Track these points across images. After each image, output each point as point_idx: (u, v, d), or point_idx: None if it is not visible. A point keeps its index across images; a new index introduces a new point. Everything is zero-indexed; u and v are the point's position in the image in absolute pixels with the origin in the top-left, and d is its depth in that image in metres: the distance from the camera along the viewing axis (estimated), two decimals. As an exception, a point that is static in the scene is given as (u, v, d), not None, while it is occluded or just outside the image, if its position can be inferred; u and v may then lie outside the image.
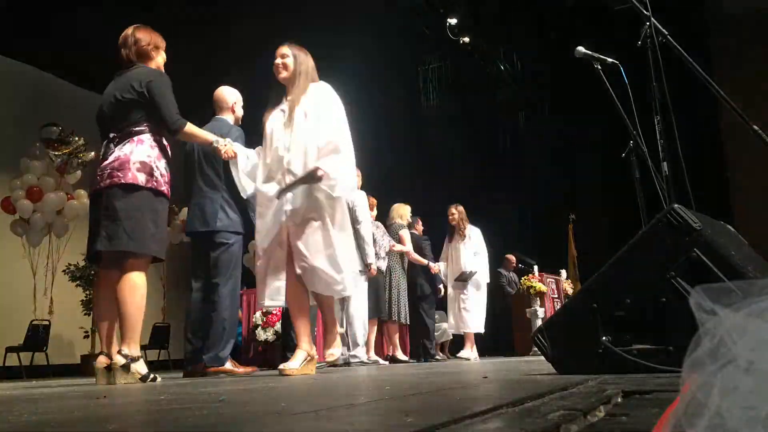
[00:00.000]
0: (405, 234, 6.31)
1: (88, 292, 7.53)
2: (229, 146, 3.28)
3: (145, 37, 3.09)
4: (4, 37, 7.06)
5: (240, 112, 4.16)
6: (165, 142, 3.01)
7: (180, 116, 2.99)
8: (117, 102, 2.91)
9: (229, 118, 4.08)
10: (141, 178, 2.82)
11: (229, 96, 4.14)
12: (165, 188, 2.94)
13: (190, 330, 3.86)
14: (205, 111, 4.27)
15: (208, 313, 3.75)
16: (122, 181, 2.80)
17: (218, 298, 3.72)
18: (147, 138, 2.92)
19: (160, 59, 3.15)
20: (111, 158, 2.85)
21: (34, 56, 7.84)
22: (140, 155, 2.86)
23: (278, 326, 6.06)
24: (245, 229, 3.95)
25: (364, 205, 5.37)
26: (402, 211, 6.48)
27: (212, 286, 3.77)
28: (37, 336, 7.09)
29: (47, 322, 7.30)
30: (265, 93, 3.40)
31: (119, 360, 2.74)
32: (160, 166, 2.93)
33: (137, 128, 2.90)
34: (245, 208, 3.95)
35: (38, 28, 6.94)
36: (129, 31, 3.10)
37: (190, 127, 3.06)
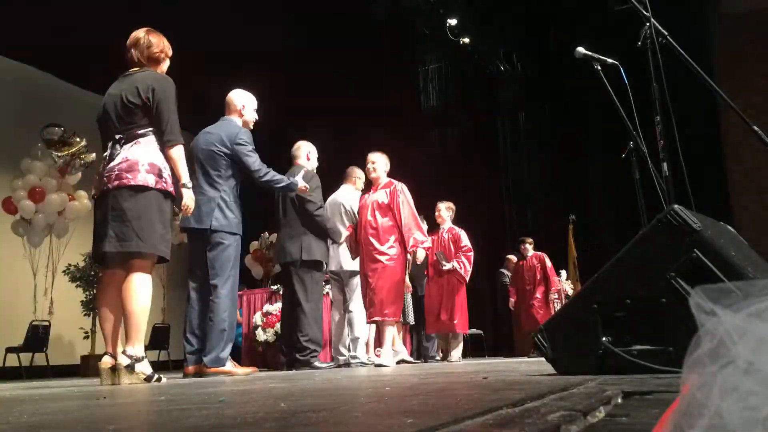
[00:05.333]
0: None
1: (88, 293, 7.53)
2: (189, 206, 3.13)
3: (158, 42, 3.09)
4: (5, 37, 7.06)
5: (250, 115, 4.15)
6: None
7: (179, 134, 2.98)
8: (123, 104, 2.91)
9: (237, 119, 4.09)
10: (150, 180, 2.84)
11: (238, 99, 4.15)
12: (172, 189, 2.96)
13: (189, 331, 3.86)
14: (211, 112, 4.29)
15: (207, 314, 3.75)
16: (132, 183, 2.81)
17: (217, 299, 3.72)
18: (154, 140, 2.92)
19: (165, 66, 3.16)
20: (118, 159, 2.85)
21: (35, 56, 7.84)
22: (149, 157, 2.87)
23: (278, 327, 6.06)
24: (243, 230, 3.95)
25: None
26: None
27: (210, 287, 3.76)
28: (37, 336, 7.09)
29: (47, 323, 7.30)
30: None
31: (123, 360, 2.74)
32: (168, 168, 2.94)
33: (144, 130, 2.91)
34: (241, 208, 3.97)
35: (39, 29, 6.94)
36: (141, 33, 3.09)
37: (179, 151, 2.99)
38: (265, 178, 4.03)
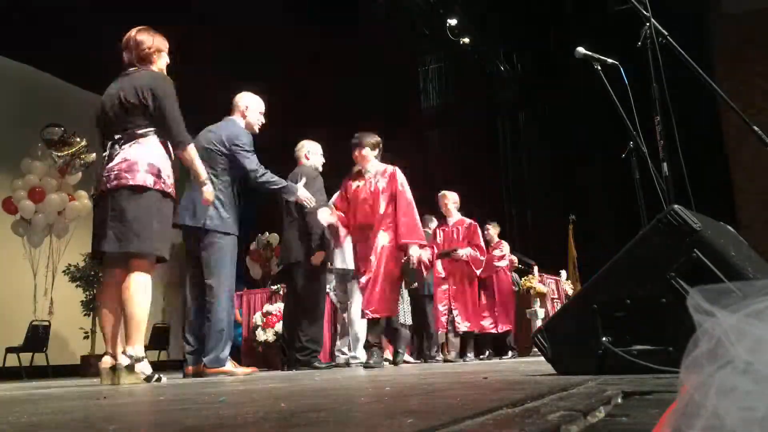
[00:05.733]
0: None
1: (88, 293, 7.53)
2: (209, 199, 3.29)
3: (147, 39, 3.07)
4: (5, 37, 7.07)
5: (253, 118, 4.13)
6: (169, 144, 3.02)
7: (187, 134, 3.01)
8: (120, 104, 2.91)
9: (239, 120, 4.09)
10: (149, 180, 2.84)
11: (242, 100, 4.15)
12: (171, 190, 2.96)
13: (188, 330, 3.86)
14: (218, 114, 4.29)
15: (205, 314, 3.74)
16: (131, 183, 2.81)
17: (213, 300, 3.70)
18: (153, 140, 2.92)
19: (162, 62, 3.13)
20: (118, 159, 2.85)
21: (34, 56, 7.85)
22: (148, 157, 2.87)
23: (278, 327, 6.07)
24: (238, 229, 3.93)
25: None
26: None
27: (206, 287, 3.75)
28: (37, 336, 7.10)
29: (47, 323, 7.30)
30: None
31: (123, 360, 2.74)
32: (167, 168, 2.94)
33: (144, 130, 2.91)
34: (240, 208, 3.96)
35: (39, 29, 6.95)
36: (132, 33, 3.08)
37: (191, 152, 3.07)
38: (261, 179, 4.01)
